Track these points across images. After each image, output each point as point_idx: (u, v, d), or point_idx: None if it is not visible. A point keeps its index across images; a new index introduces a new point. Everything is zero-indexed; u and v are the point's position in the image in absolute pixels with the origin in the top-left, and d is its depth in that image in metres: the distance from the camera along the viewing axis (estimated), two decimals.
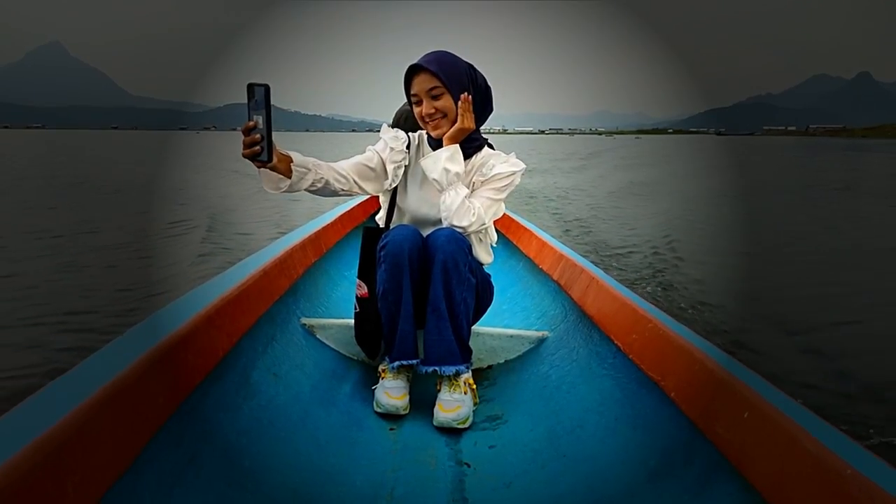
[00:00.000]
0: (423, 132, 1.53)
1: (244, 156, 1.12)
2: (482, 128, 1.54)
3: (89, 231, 5.84)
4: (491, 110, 1.52)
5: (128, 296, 3.51)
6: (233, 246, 5.01)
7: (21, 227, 5.88)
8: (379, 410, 1.38)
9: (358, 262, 1.57)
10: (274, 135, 1.12)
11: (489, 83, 1.48)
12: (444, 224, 1.41)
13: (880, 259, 5.12)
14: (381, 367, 1.45)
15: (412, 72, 1.39)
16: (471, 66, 1.43)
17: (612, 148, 44.51)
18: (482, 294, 1.52)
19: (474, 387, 1.41)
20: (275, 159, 1.15)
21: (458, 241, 1.36)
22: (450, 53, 1.41)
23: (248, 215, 6.98)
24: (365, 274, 1.54)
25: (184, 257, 4.58)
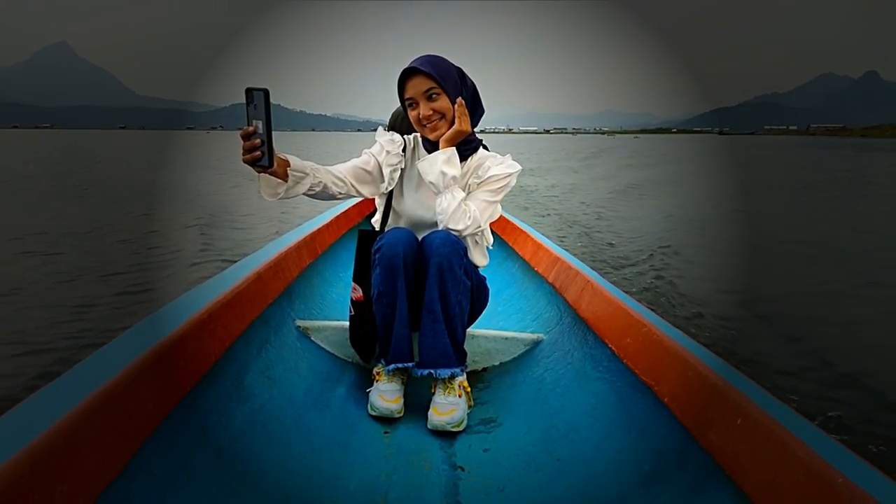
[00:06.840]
0: (419, 134, 1.52)
1: (244, 161, 1.13)
2: (478, 128, 1.54)
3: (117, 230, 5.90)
4: (482, 111, 1.51)
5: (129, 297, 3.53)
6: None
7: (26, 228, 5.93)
8: (373, 413, 1.38)
9: (353, 263, 1.57)
10: (278, 136, 1.11)
11: (477, 86, 1.48)
12: (441, 227, 1.41)
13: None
14: (375, 370, 1.45)
15: (405, 76, 1.39)
16: (460, 69, 1.43)
17: (609, 148, 44.26)
18: (477, 296, 1.51)
19: (469, 390, 1.41)
20: (275, 164, 1.15)
21: (454, 244, 1.35)
22: (440, 56, 1.41)
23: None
24: (360, 277, 1.54)
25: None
